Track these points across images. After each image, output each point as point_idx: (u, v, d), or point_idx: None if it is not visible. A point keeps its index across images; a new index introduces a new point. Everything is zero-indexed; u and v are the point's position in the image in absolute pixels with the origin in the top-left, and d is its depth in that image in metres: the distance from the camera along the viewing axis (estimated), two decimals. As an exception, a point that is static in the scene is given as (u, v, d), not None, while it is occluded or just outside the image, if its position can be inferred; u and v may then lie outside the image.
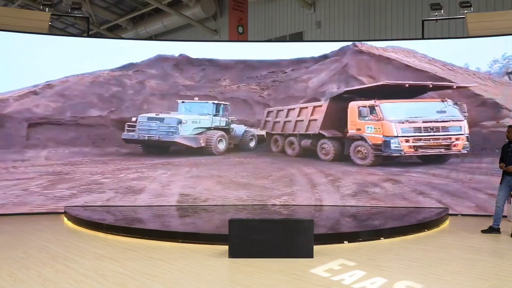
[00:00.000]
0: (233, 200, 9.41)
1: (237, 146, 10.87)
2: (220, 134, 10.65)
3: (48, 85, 9.59)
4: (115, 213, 8.29)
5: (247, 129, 10.87)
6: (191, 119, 10.57)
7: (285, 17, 17.62)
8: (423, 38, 10.44)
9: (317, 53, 10.14)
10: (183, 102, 10.56)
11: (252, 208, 8.97)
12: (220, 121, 10.71)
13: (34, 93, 9.48)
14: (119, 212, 8.40)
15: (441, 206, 8.91)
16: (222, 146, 10.62)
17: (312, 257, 5.36)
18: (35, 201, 8.91)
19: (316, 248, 5.52)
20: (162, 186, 9.50)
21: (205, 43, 12.05)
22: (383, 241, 6.46)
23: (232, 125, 10.82)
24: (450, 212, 8.66)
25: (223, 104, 10.61)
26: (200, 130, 10.65)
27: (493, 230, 7.07)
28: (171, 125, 10.38)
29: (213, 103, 10.52)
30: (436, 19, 10.27)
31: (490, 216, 7.47)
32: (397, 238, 6.62)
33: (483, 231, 7.12)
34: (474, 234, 7.03)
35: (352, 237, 6.36)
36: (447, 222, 8.08)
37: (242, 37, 15.62)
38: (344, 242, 6.21)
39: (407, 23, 13.99)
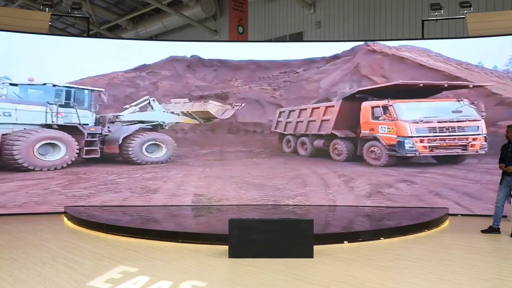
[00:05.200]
0: (247, 201, 9.35)
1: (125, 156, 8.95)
2: (41, 137, 6.99)
3: None
4: (118, 213, 8.29)
5: (141, 131, 7.65)
6: None
7: (285, 17, 17.61)
8: (423, 38, 10.44)
9: (320, 54, 10.07)
10: (14, 84, 7.00)
11: (266, 208, 8.90)
12: (75, 115, 7.27)
13: None
14: (122, 212, 8.41)
15: (443, 207, 8.82)
16: (56, 155, 7.33)
17: (312, 257, 5.35)
18: (55, 200, 8.90)
19: (316, 248, 5.52)
20: (177, 186, 9.50)
21: (215, 43, 11.84)
22: (383, 241, 6.46)
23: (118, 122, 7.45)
24: (464, 213, 8.62)
25: (82, 89, 7.14)
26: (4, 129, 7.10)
27: (493, 230, 7.07)
28: None
29: (53, 85, 7.02)
30: (436, 19, 10.28)
31: (490, 216, 7.47)
32: (397, 238, 6.61)
33: (483, 231, 7.12)
34: (474, 234, 7.03)
35: (352, 237, 6.36)
36: (447, 222, 8.08)
37: (242, 37, 15.61)
38: (344, 242, 6.21)
39: (407, 23, 13.98)
